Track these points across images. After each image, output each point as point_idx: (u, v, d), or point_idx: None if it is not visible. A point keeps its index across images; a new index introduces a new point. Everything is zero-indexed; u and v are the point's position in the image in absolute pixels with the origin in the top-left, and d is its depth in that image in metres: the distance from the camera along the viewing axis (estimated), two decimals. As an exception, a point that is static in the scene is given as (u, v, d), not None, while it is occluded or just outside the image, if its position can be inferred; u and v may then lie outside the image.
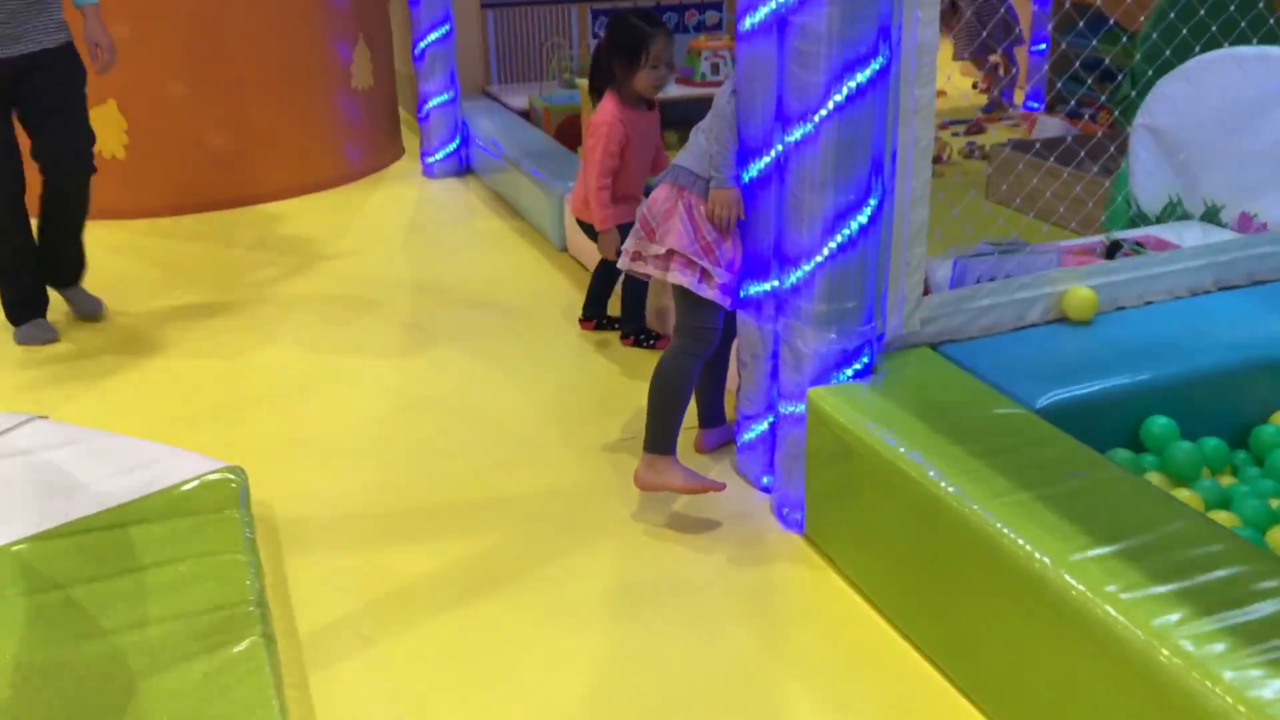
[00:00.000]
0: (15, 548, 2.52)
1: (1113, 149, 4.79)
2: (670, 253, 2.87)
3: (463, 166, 6.20)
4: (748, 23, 2.67)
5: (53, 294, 4.16)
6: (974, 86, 7.98)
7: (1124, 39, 5.06)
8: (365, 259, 4.91)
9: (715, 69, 6.72)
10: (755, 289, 2.85)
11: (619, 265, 3.08)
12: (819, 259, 2.62)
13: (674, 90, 6.71)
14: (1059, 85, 6.49)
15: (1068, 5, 6.61)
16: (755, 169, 2.77)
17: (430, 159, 6.14)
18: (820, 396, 2.63)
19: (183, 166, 5.51)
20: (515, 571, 2.70)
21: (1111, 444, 2.72)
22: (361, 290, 4.53)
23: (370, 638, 2.48)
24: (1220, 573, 1.93)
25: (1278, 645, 1.75)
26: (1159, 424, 2.72)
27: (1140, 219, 3.94)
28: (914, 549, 2.37)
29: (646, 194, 3.14)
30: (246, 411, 3.53)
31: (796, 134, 2.59)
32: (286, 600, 2.60)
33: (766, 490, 2.99)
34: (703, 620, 2.51)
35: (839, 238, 2.60)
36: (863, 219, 2.61)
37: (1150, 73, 4.83)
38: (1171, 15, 4.64)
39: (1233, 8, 4.37)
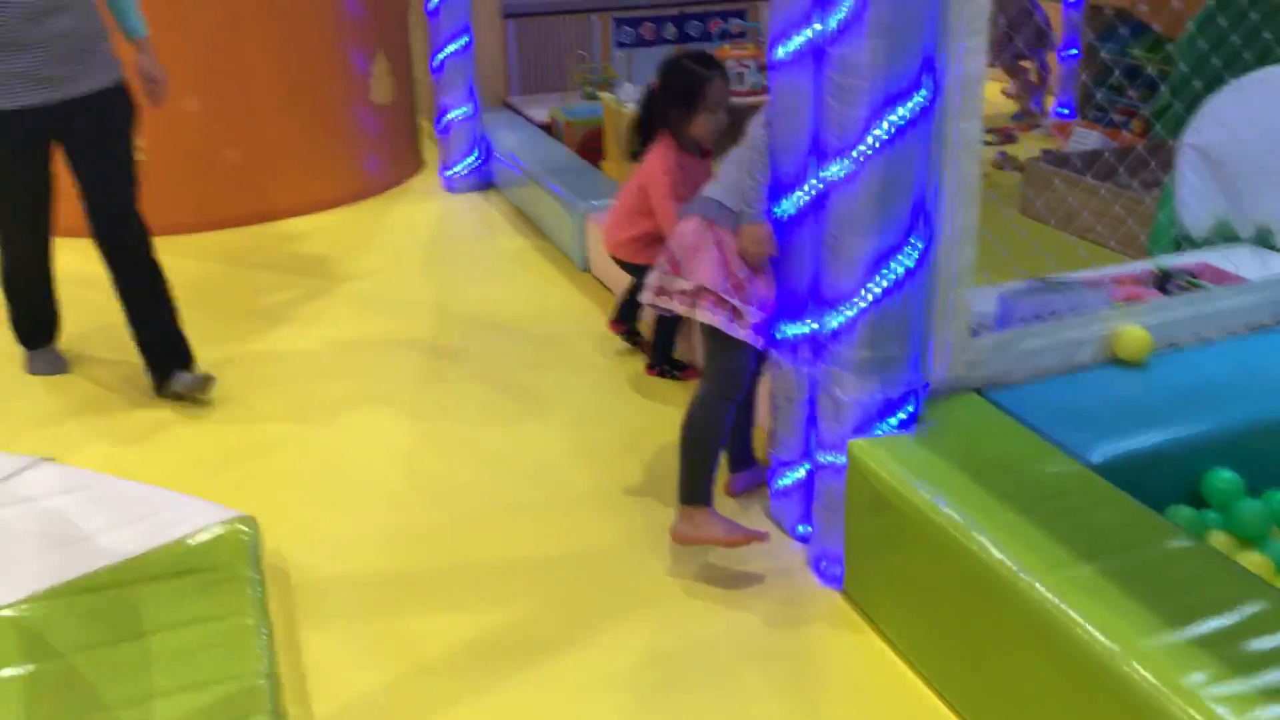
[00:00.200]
0: (14, 610, 2.40)
1: (1153, 164, 4.64)
2: (699, 289, 2.73)
3: (483, 181, 6.06)
4: (781, 52, 2.53)
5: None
6: (1003, 93, 7.80)
7: (1164, 46, 4.89)
8: (383, 280, 4.78)
9: (740, 78, 6.56)
10: (791, 330, 2.71)
11: (642, 300, 2.93)
12: (860, 303, 2.47)
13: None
14: (1096, 94, 6.31)
15: (1106, 10, 6.43)
16: (790, 205, 2.63)
17: (450, 173, 6.01)
18: (862, 449, 2.48)
19: (196, 183, 5.39)
20: (540, 638, 2.55)
21: (1171, 500, 2.56)
22: (379, 314, 4.40)
23: (386, 710, 2.35)
24: (1305, 662, 1.78)
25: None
26: (1222, 478, 2.56)
27: (1185, 242, 3.78)
28: (963, 618, 2.22)
29: None
30: (257, 446, 3.41)
31: (835, 170, 2.44)
32: (299, 665, 2.47)
33: (802, 540, 2.85)
34: (739, 694, 2.36)
35: (881, 281, 2.46)
36: (907, 261, 2.46)
37: (1192, 82, 4.67)
38: (1218, 20, 4.47)
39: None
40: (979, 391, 2.72)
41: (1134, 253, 4.23)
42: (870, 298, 2.46)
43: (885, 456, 2.45)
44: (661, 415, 3.46)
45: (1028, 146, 6.48)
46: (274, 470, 3.28)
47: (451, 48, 5.76)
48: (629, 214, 3.64)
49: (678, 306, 2.80)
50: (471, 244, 5.27)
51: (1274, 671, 1.76)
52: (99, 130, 3.50)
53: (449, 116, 5.89)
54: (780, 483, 2.88)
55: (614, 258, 3.77)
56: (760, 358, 2.85)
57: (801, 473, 2.81)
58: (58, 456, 3.13)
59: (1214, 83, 4.00)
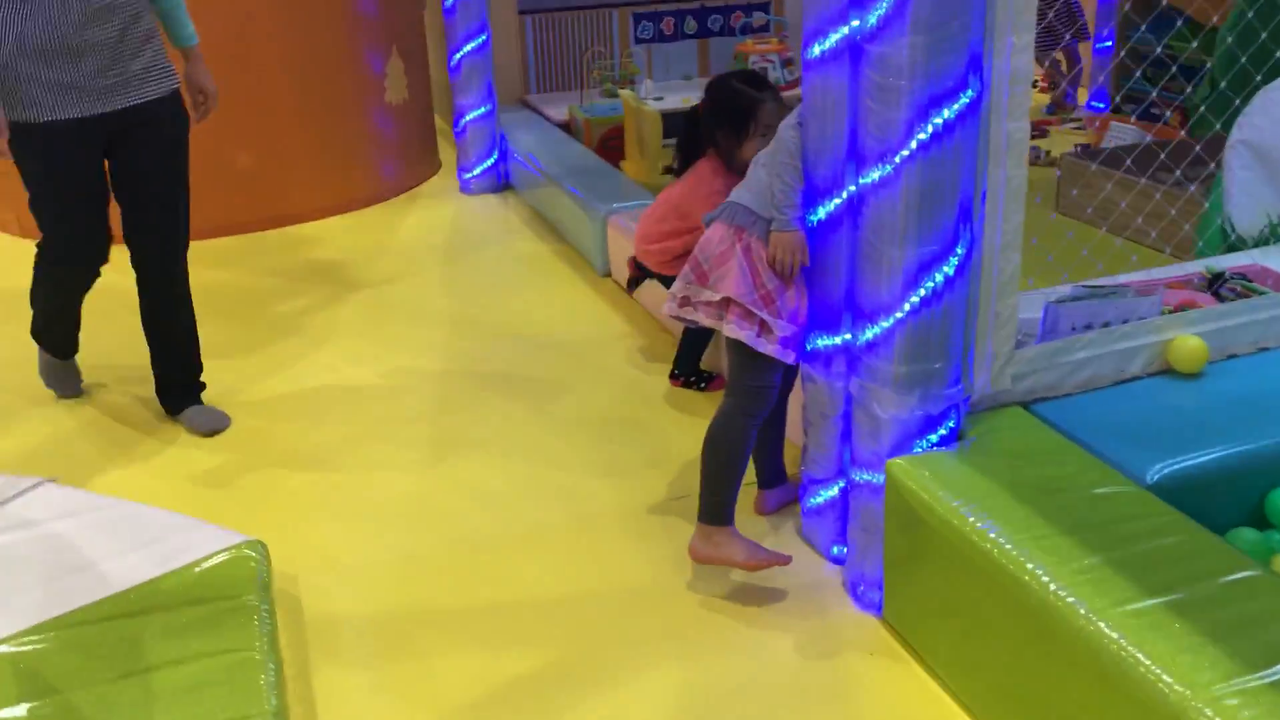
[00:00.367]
0: (13, 645, 2.28)
1: (1206, 155, 4.46)
2: (726, 301, 2.60)
3: (501, 182, 5.94)
4: (816, 50, 2.39)
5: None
6: (1033, 85, 7.62)
7: (1200, 34, 4.70)
8: (399, 287, 4.66)
9: (764, 74, 6.42)
10: (824, 342, 2.57)
11: (664, 310, 2.80)
12: (898, 315, 2.33)
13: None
14: (1130, 82, 6.11)
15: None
16: (823, 211, 2.49)
17: (467, 175, 5.89)
18: (902, 470, 2.34)
19: (206, 187, 5.17)
20: (566, 676, 2.41)
21: (1232, 521, 2.41)
22: (395, 323, 4.28)
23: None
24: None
25: None
26: (1288, 498, 2.41)
27: (1239, 243, 3.62)
28: (1014, 651, 2.08)
29: None
30: (269, 465, 3.29)
31: (874, 176, 2.30)
32: (310, 702, 2.35)
33: (837, 561, 2.71)
34: (774, 730, 2.24)
35: (921, 291, 2.31)
36: (948, 270, 2.31)
37: (1233, 72, 4.50)
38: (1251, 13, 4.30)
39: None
40: (1024, 405, 2.58)
41: (1177, 251, 4.06)
42: (909, 309, 2.32)
43: (926, 477, 2.31)
44: (687, 429, 3.33)
45: (1059, 140, 6.31)
46: (286, 490, 3.16)
47: (469, 46, 5.64)
48: (662, 232, 3.50)
49: (704, 318, 2.67)
50: (489, 249, 5.14)
51: (1364, 722, 1.62)
52: (154, 143, 3.24)
53: (467, 118, 5.77)
54: (812, 501, 2.74)
55: (642, 266, 3.64)
56: (789, 371, 2.71)
57: (835, 491, 2.67)
58: (62, 476, 3.02)
59: (1263, 73, 3.84)
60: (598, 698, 2.34)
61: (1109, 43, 6.81)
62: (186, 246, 3.40)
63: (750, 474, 2.91)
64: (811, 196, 2.51)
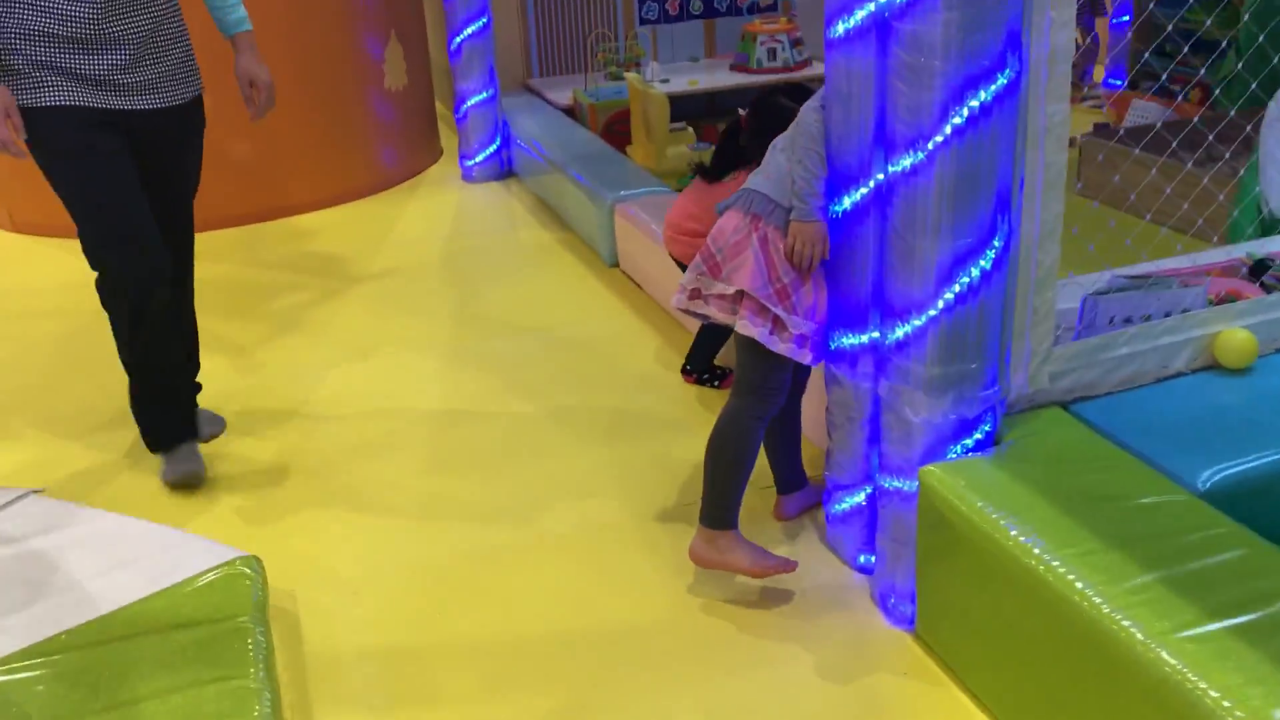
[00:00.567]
0: (-9, 674, 2.15)
1: (1232, 133, 4.29)
2: (739, 294, 2.44)
3: (504, 169, 5.79)
4: (840, 28, 2.23)
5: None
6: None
7: (1218, 8, 4.53)
8: (401, 280, 4.51)
9: (772, 54, 6.25)
10: (850, 341, 2.42)
11: (672, 303, 2.64)
12: (931, 312, 2.18)
13: (727, 79, 6.27)
14: (1145, 58, 5.93)
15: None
16: (849, 201, 2.33)
17: (469, 162, 5.73)
18: (936, 478, 2.19)
19: (202, 178, 5.12)
20: (580, 710, 2.26)
21: (1289, 529, 2.26)
22: (396, 318, 4.14)
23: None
24: None
25: None
26: (1351, 504, 2.25)
27: (1274, 224, 3.46)
28: (1064, 680, 1.93)
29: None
30: (264, 471, 3.14)
31: (904, 163, 2.14)
32: (307, 730, 2.22)
33: (864, 570, 2.57)
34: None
35: (956, 287, 2.16)
36: (984, 264, 2.16)
37: (1261, 45, 4.32)
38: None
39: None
40: (1063, 405, 2.42)
41: (1203, 234, 3.90)
42: (943, 306, 2.17)
43: (963, 485, 2.16)
44: (701, 430, 3.15)
45: (1077, 119, 6.13)
46: (282, 498, 3.02)
47: (469, 30, 5.48)
48: (694, 230, 3.33)
49: (715, 313, 2.51)
50: (493, 238, 4.99)
51: None
52: (170, 148, 2.95)
53: (468, 103, 5.61)
54: (837, 508, 2.60)
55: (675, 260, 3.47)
56: (799, 369, 2.57)
57: (861, 497, 2.52)
58: (50, 487, 2.89)
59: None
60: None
61: (1126, 17, 6.63)
62: (192, 250, 3.18)
63: (766, 477, 2.78)
64: (835, 185, 2.35)
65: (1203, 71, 5.49)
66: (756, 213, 2.45)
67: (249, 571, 2.43)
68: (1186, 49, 4.31)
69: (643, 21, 6.57)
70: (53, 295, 4.42)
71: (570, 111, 5.86)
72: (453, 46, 5.54)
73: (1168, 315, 2.55)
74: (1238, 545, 1.95)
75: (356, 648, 2.44)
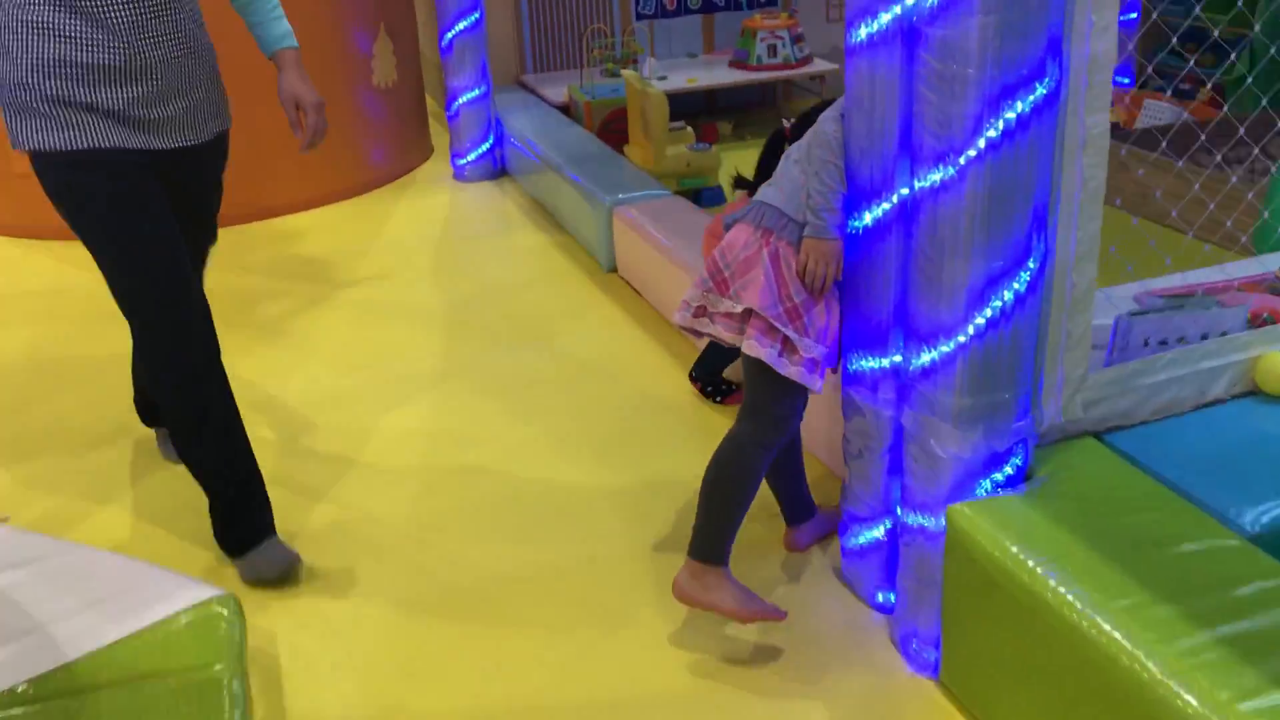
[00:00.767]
0: (-58, 731, 1.99)
1: (1250, 137, 4.14)
2: (748, 313, 2.28)
3: (497, 168, 5.61)
4: (862, 32, 2.06)
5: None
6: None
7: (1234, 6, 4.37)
8: (390, 285, 4.34)
9: (772, 51, 6.08)
10: (869, 364, 2.26)
11: (675, 320, 2.48)
12: (961, 338, 2.02)
13: (726, 75, 6.10)
14: (1156, 59, 5.78)
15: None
16: (869, 216, 2.17)
17: (461, 161, 5.55)
18: (965, 518, 2.04)
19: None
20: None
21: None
22: (385, 326, 3.97)
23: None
24: None
25: None
26: None
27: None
28: (1107, 739, 1.78)
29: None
30: (249, 494, 2.97)
31: (933, 178, 1.98)
32: (287, 792, 2.06)
33: (883, 609, 2.41)
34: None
35: (988, 311, 2.00)
36: (1019, 286, 2.01)
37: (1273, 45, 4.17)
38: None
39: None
40: (1096, 435, 2.27)
41: (1224, 240, 3.75)
42: (974, 332, 2.01)
43: (994, 527, 2.00)
44: (705, 450, 2.99)
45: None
46: (265, 522, 2.85)
47: (461, 24, 5.29)
48: None
49: (722, 332, 2.35)
50: (486, 241, 4.82)
51: None
52: (197, 185, 2.63)
53: (460, 100, 5.43)
54: (854, 541, 2.44)
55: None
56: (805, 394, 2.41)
57: (880, 532, 2.37)
58: (13, 515, 2.72)
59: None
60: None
61: (1134, 14, 6.47)
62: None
63: (775, 504, 2.62)
64: (855, 199, 2.19)
65: (1219, 73, 5.34)
66: (768, 227, 2.29)
67: (225, 613, 2.25)
68: (1205, 48, 4.16)
69: (639, 16, 6.39)
70: (25, 301, 4.24)
71: (565, 109, 5.69)
72: (444, 41, 5.36)
73: (1205, 338, 2.40)
74: (1297, 598, 1.80)
75: (341, 698, 2.27)
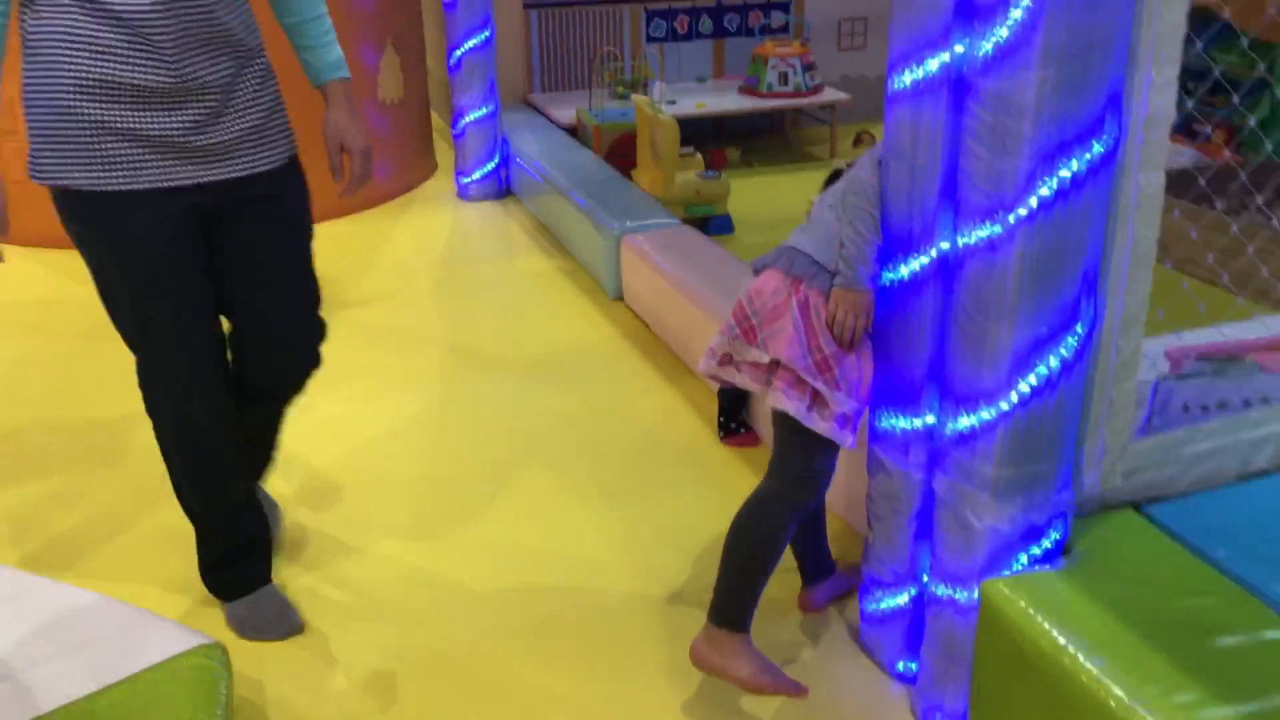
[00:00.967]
0: (-95, 790, 1.86)
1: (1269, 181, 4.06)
2: (775, 364, 2.17)
3: (502, 188, 5.51)
4: (907, 79, 1.96)
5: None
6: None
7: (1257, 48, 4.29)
8: (389, 307, 4.23)
9: (783, 79, 6.00)
10: (899, 424, 2.15)
11: (699, 368, 2.37)
12: (1003, 405, 1.91)
13: (735, 102, 6.02)
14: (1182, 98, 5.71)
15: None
16: (905, 270, 2.06)
17: (466, 179, 5.45)
18: (1002, 596, 1.93)
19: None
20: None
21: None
22: (383, 352, 3.85)
23: None
24: None
25: None
26: None
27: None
28: (1153, 843, 1.67)
29: None
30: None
31: (978, 235, 1.88)
32: None
33: (904, 680, 2.30)
34: None
35: (1032, 378, 1.90)
36: (1065, 353, 1.90)
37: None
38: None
39: None
40: (1135, 506, 2.16)
41: (1256, 295, 3.65)
42: (1017, 399, 1.91)
43: (1035, 607, 1.89)
44: (717, 498, 2.90)
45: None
46: (255, 560, 2.73)
47: (471, 42, 5.19)
48: None
49: (749, 382, 2.24)
50: (489, 264, 4.71)
51: None
52: (268, 227, 2.30)
53: (467, 118, 5.32)
54: (875, 606, 2.33)
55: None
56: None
57: (904, 599, 2.26)
58: (-9, 547, 2.60)
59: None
60: None
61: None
62: (317, 365, 2.55)
63: (790, 560, 2.51)
64: (890, 250, 2.08)
65: (1229, 114, 5.26)
66: (797, 274, 2.18)
67: (211, 664, 2.13)
68: (1235, 94, 4.08)
69: (650, 39, 6.31)
70: (16, 311, 4.11)
71: (573, 131, 5.59)
72: (452, 59, 5.26)
73: (1247, 404, 2.30)
74: (1359, 697, 1.69)
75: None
